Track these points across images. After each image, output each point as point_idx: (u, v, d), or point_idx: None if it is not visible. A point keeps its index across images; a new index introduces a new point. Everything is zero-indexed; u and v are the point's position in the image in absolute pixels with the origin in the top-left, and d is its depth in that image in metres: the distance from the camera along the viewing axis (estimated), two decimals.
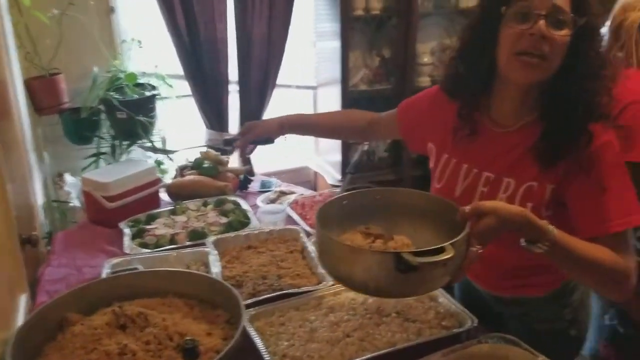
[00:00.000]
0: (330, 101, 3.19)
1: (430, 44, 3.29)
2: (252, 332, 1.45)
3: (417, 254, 1.07)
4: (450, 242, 1.09)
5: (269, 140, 1.92)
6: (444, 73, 1.56)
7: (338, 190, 2.43)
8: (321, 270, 1.76)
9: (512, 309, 1.63)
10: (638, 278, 1.30)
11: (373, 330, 1.48)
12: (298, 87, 3.44)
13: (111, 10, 2.82)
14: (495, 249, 1.25)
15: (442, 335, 1.43)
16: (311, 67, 3.39)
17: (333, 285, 1.69)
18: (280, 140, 1.91)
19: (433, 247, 1.08)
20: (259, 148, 3.15)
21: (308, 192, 2.55)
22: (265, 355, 1.37)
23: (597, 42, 1.32)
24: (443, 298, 1.60)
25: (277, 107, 3.23)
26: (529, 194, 1.39)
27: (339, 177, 3.17)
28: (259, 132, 1.73)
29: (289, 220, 2.21)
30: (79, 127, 2.74)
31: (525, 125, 1.41)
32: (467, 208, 1.18)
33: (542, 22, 1.26)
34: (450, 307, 1.56)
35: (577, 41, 1.29)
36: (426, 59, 3.31)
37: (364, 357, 1.35)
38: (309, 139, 3.52)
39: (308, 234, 2.04)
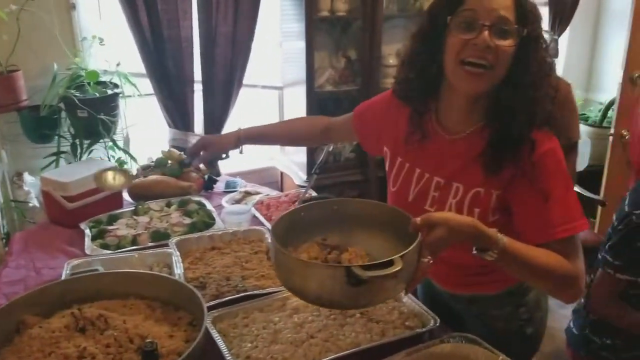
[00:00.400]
0: (296, 101, 3.18)
1: (395, 45, 3.31)
2: (215, 334, 1.44)
3: (366, 267, 1.09)
4: (400, 254, 1.10)
5: (226, 155, 1.89)
6: (395, 78, 1.57)
7: (303, 190, 2.43)
8: None
9: (470, 307, 1.66)
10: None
11: (337, 330, 1.48)
12: (264, 87, 3.43)
13: (72, 6, 2.76)
14: (449, 248, 1.25)
15: (405, 335, 1.44)
16: (278, 67, 3.38)
17: None
18: (235, 153, 1.88)
19: (383, 260, 1.09)
20: None
21: (273, 193, 2.54)
22: (228, 357, 1.36)
23: (541, 51, 1.34)
24: (406, 298, 1.61)
25: (243, 106, 3.21)
26: (476, 200, 1.41)
27: (305, 177, 3.16)
28: (216, 149, 1.68)
29: (254, 220, 2.20)
30: (39, 125, 2.68)
31: (473, 132, 1.43)
32: (419, 219, 1.20)
33: (486, 33, 1.27)
34: (413, 308, 1.57)
35: (521, 50, 1.31)
36: (391, 60, 3.33)
37: (327, 358, 1.35)
38: None
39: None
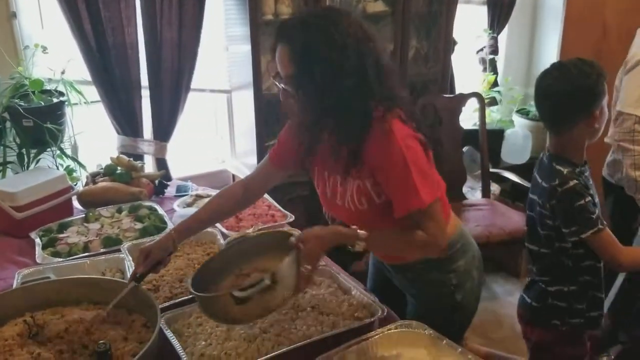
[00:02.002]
0: (244, 104, 3.21)
1: None
2: (169, 334, 1.47)
3: (243, 289, 1.32)
4: (271, 272, 1.33)
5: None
6: None
7: None
8: None
9: (405, 275, 1.79)
10: None
11: (289, 325, 1.54)
12: (212, 91, 3.43)
13: (12, 15, 2.72)
14: (371, 223, 1.55)
15: (355, 326, 1.52)
16: (224, 71, 3.39)
17: None
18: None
19: (257, 281, 1.32)
20: (174, 151, 3.15)
21: None
22: (183, 356, 1.39)
23: (328, 74, 1.43)
24: (356, 291, 1.68)
25: (192, 111, 3.22)
26: (359, 190, 1.57)
27: None
28: (156, 257, 1.70)
29: None
30: None
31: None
32: (293, 238, 1.44)
33: (282, 92, 1.51)
34: (362, 299, 1.64)
35: (312, 78, 1.43)
36: None
37: (279, 352, 1.41)
38: (226, 143, 3.54)
39: (225, 236, 2.07)
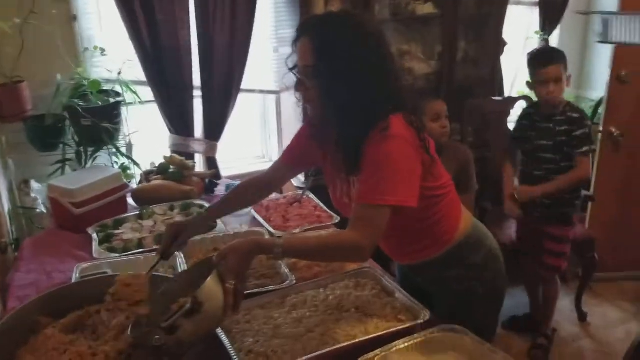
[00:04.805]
0: (292, 105, 3.24)
1: None
2: (219, 330, 1.52)
3: (167, 319, 1.29)
4: (192, 296, 1.30)
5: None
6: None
7: (301, 192, 2.52)
8: (285, 270, 1.84)
9: (426, 274, 1.84)
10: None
11: (334, 325, 1.57)
12: (261, 91, 3.49)
13: (73, 18, 2.84)
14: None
15: (398, 328, 1.53)
16: (274, 72, 3.44)
17: (296, 284, 1.77)
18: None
19: (184, 308, 1.29)
20: (224, 150, 3.22)
21: (272, 195, 2.62)
22: (231, 352, 1.44)
23: (352, 70, 1.49)
24: (399, 294, 1.70)
25: (241, 111, 3.29)
26: None
27: (302, 179, 3.24)
28: (186, 237, 1.77)
29: (254, 222, 2.29)
30: (44, 134, 2.74)
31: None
32: (214, 257, 1.42)
33: (298, 84, 1.59)
34: (405, 302, 1.66)
35: (333, 72, 1.48)
36: None
37: (324, 351, 1.44)
38: (274, 142, 3.60)
39: (272, 235, 2.12)
